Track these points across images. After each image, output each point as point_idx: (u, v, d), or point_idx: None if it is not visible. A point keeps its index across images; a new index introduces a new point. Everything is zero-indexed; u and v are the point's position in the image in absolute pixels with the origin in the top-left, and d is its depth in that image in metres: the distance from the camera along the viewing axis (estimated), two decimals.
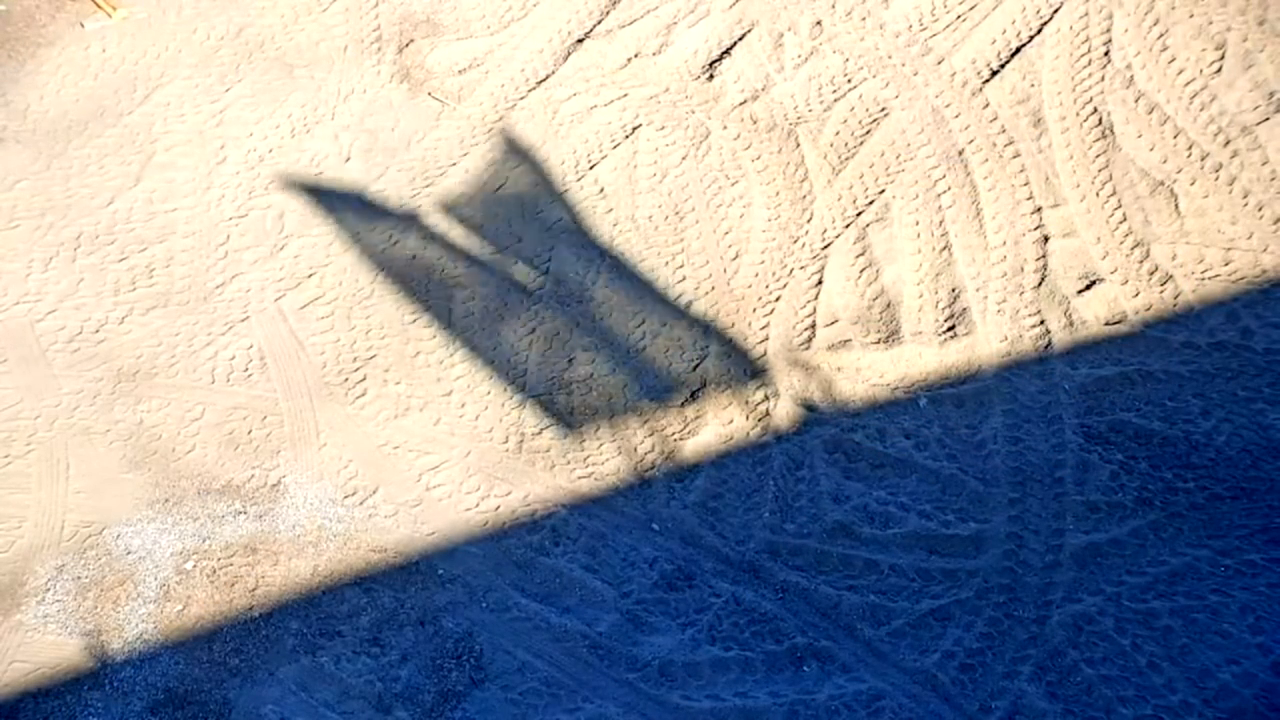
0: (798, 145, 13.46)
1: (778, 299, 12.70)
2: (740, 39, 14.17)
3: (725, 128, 13.67)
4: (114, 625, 11.23)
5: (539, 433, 12.12)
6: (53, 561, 11.57)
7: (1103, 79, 13.34)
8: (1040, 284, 12.52)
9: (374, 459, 12.03)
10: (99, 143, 14.01)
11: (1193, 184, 12.74)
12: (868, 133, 13.44)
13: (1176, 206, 12.69)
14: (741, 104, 13.79)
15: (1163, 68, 13.24)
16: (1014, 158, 13.13)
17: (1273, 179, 12.62)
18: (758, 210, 13.18)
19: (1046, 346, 12.22)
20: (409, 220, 13.39)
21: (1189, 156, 12.85)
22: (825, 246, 12.93)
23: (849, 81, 13.76)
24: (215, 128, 14.09)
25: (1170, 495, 11.34)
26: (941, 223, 12.92)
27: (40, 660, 11.09)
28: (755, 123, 13.66)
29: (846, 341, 12.46)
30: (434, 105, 14.14)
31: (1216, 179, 12.71)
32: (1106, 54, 13.46)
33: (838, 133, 13.48)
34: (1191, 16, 13.40)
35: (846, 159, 13.34)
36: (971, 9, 13.93)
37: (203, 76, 14.46)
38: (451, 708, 10.73)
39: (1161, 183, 12.80)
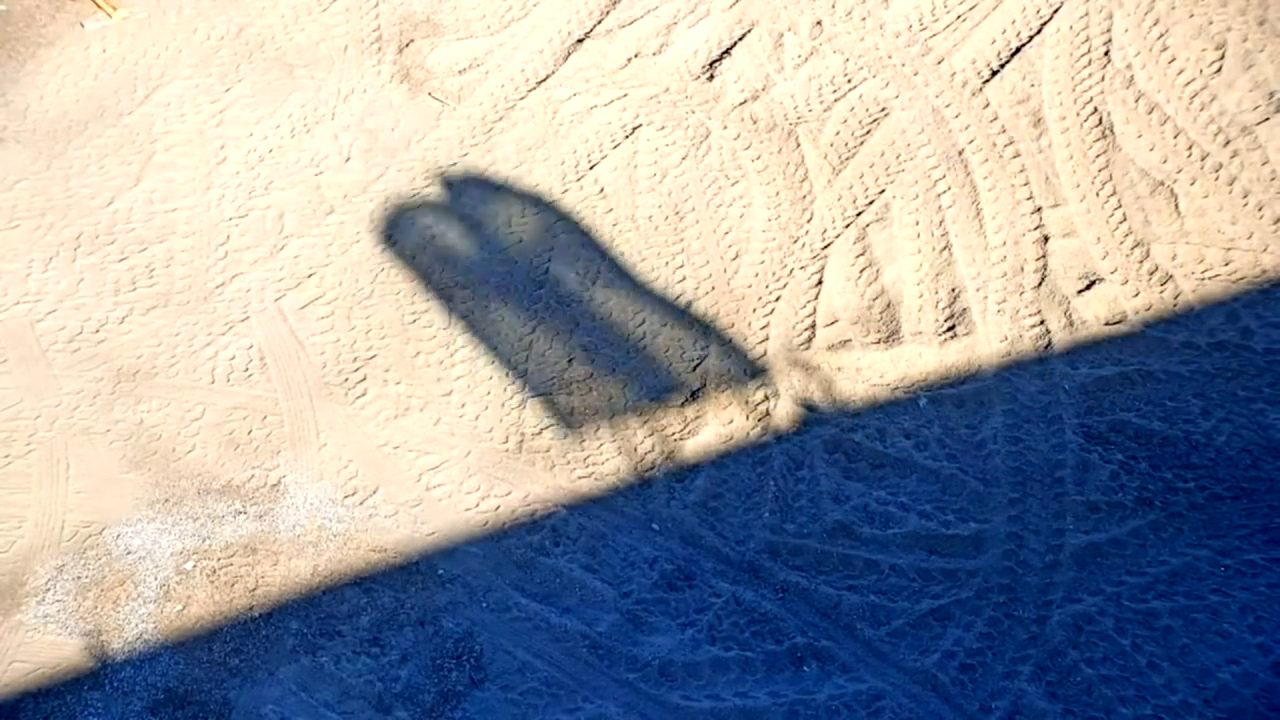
0: (798, 145, 13.47)
1: (778, 299, 12.70)
2: (740, 39, 14.17)
3: (725, 128, 13.67)
4: (114, 625, 11.23)
5: (539, 433, 12.12)
6: (53, 561, 11.57)
7: (1103, 79, 13.34)
8: (1040, 284, 12.52)
9: (374, 459, 12.04)
10: (99, 143, 14.01)
11: (1193, 184, 12.74)
12: (868, 133, 13.44)
13: (1176, 206, 12.69)
14: (741, 104, 13.79)
15: (1163, 68, 13.25)
16: (1014, 158, 13.14)
17: (1273, 179, 12.62)
18: (758, 210, 13.18)
19: (1046, 346, 12.22)
20: (409, 220, 13.39)
21: (1189, 156, 12.85)
22: (825, 246, 12.93)
23: (849, 81, 13.76)
24: (215, 128, 14.09)
25: (1170, 495, 11.34)
26: (941, 223, 12.92)
27: (40, 660, 11.09)
28: (755, 123, 13.66)
29: (846, 341, 12.46)
30: (434, 105, 14.14)
31: (1216, 179, 12.71)
32: (1106, 54, 13.46)
33: (838, 133, 13.49)
34: (1191, 16, 13.40)
35: (846, 159, 13.34)
36: (971, 9, 13.93)
37: (203, 76, 14.46)
38: (451, 708, 10.73)
39: (1161, 183, 12.80)
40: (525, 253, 13.11)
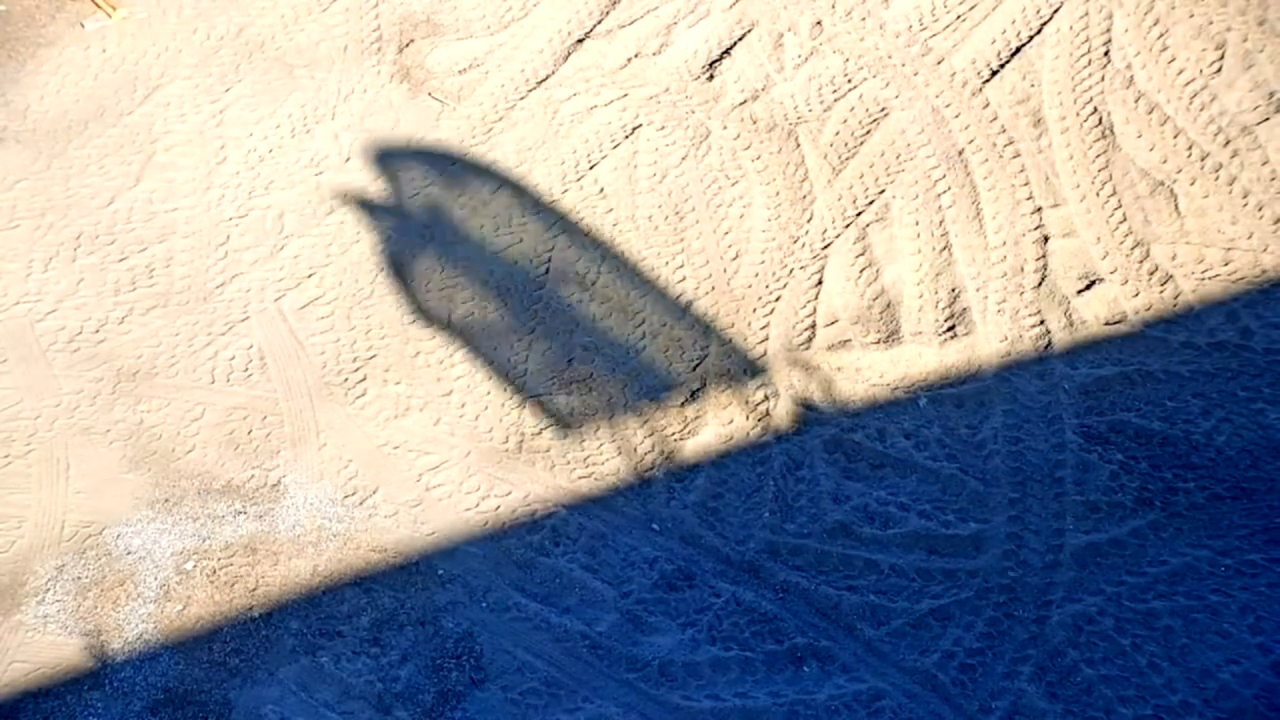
0: (798, 145, 13.47)
1: (778, 299, 12.70)
2: (740, 39, 14.17)
3: (725, 128, 13.67)
4: (114, 625, 11.23)
5: (539, 433, 12.12)
6: (53, 561, 11.57)
7: (1103, 79, 13.34)
8: (1040, 284, 12.52)
9: (374, 459, 12.03)
10: (99, 143, 14.01)
11: (1193, 184, 12.74)
12: (868, 133, 13.44)
13: (1176, 206, 12.69)
14: (741, 104, 13.79)
15: (1163, 68, 13.25)
16: (1014, 158, 13.14)
17: (1273, 179, 12.62)
18: (758, 210, 13.18)
19: (1046, 346, 12.22)
20: (410, 220, 13.39)
21: (1189, 156, 12.85)
22: (825, 246, 12.93)
23: (849, 81, 13.76)
24: (215, 128, 14.09)
25: (1170, 495, 11.34)
26: (941, 223, 12.92)
27: (40, 660, 11.09)
28: (755, 123, 13.66)
29: (846, 341, 12.46)
30: (434, 105, 14.14)
31: (1216, 179, 12.71)
32: (1106, 54, 13.46)
33: (838, 133, 13.49)
34: (1191, 16, 13.40)
35: (846, 159, 13.34)
36: (971, 9, 13.93)
37: (203, 76, 14.46)
38: (451, 708, 10.73)
39: (1161, 183, 12.80)
40: (525, 253, 13.11)
